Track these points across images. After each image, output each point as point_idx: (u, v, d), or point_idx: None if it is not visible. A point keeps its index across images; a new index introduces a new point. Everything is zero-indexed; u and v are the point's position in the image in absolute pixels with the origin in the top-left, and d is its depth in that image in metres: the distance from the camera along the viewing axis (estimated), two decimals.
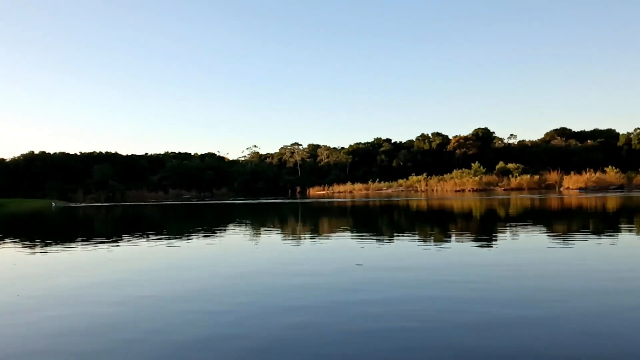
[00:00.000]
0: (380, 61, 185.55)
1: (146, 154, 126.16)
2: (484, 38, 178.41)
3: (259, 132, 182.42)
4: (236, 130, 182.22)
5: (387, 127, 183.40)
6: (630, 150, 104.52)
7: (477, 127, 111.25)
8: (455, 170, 75.09)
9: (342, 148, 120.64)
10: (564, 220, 17.85)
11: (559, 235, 12.54)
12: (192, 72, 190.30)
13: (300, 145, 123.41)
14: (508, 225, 15.94)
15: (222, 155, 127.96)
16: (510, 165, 75.80)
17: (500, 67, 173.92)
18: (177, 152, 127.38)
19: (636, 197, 32.91)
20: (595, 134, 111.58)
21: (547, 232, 13.53)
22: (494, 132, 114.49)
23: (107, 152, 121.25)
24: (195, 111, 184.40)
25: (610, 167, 58.01)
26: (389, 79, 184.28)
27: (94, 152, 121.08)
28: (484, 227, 16.26)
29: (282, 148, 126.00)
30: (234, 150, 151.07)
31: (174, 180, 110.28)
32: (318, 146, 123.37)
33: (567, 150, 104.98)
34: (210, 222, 22.59)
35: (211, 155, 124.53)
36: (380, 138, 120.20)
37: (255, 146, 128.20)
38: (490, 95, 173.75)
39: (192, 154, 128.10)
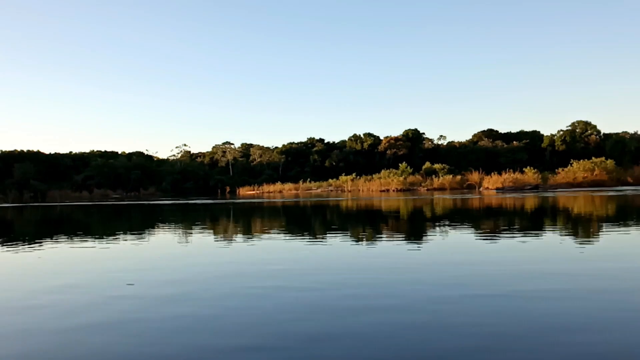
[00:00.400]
0: (314, 61, 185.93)
1: (70, 152, 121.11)
2: (414, 40, 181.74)
3: (190, 130, 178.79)
4: (167, 128, 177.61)
5: (321, 127, 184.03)
6: (553, 151, 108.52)
7: (407, 128, 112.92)
8: (383, 171, 75.63)
9: (276, 147, 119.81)
10: (467, 219, 17.51)
11: (460, 234, 12.04)
12: (120, 68, 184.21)
13: (233, 144, 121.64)
14: (409, 223, 15.41)
15: (150, 154, 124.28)
16: (437, 166, 76.88)
17: (431, 69, 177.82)
18: (103, 150, 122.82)
19: (543, 197, 33.52)
20: (521, 135, 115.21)
21: (441, 231, 13.01)
22: (424, 133, 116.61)
23: (29, 151, 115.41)
24: (123, 109, 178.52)
25: (528, 167, 59.63)
26: (323, 79, 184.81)
27: (15, 150, 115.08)
28: (388, 225, 15.66)
29: (214, 147, 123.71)
30: (163, 149, 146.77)
31: (99, 179, 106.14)
32: (251, 145, 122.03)
33: (493, 151, 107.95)
34: (133, 224, 21.12)
35: (139, 154, 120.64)
36: (314, 138, 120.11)
37: (185, 145, 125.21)
38: (421, 96, 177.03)
39: (120, 152, 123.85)
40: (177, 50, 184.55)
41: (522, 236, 11.29)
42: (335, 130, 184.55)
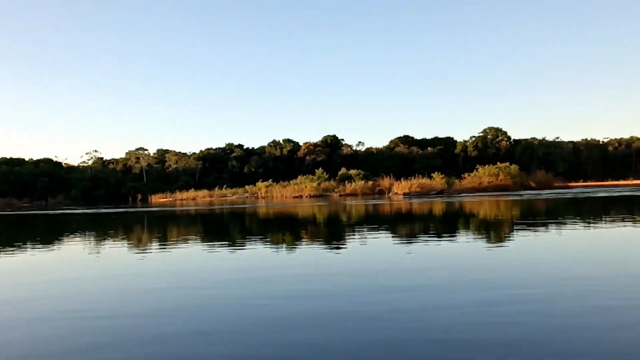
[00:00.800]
0: (234, 66, 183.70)
1: None
2: (334, 46, 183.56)
3: (103, 136, 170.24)
4: (77, 134, 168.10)
5: (240, 133, 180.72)
6: (466, 157, 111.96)
7: (327, 134, 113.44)
8: (300, 177, 75.35)
9: (193, 153, 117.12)
10: (367, 224, 17.05)
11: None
12: (29, 71, 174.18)
13: (147, 150, 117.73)
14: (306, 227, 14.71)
15: (59, 160, 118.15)
16: (352, 172, 77.25)
17: (351, 76, 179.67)
18: (8, 157, 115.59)
19: (445, 201, 33.94)
20: (436, 141, 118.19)
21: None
22: (343, 139, 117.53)
23: None
24: (30, 113, 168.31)
25: (436, 173, 60.90)
26: (243, 84, 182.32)
27: None
28: (279, 231, 14.89)
29: (127, 153, 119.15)
30: (74, 155, 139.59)
31: (4, 187, 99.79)
32: (167, 151, 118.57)
33: (409, 157, 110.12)
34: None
35: (47, 161, 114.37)
36: (232, 144, 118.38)
37: (96, 151, 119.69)
38: (341, 102, 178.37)
39: (27, 159, 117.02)
40: (89, 51, 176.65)
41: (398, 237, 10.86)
42: (255, 136, 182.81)
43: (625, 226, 13.65)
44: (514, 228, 14.16)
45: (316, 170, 76.49)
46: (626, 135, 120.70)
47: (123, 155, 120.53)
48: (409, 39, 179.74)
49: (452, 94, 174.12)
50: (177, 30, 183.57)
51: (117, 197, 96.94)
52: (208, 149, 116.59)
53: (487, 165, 59.30)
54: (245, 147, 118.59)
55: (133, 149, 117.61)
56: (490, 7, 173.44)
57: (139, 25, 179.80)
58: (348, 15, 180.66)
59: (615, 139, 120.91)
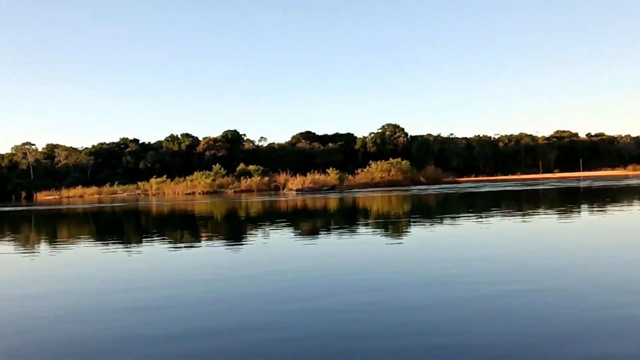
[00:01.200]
0: (129, 57, 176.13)
1: None
2: (234, 40, 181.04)
3: None
4: None
5: (136, 127, 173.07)
6: (365, 152, 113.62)
7: (227, 129, 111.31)
8: (196, 172, 73.20)
9: (85, 148, 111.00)
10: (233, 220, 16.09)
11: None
12: None
13: (34, 145, 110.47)
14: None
15: None
16: (251, 167, 76.01)
17: (254, 71, 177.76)
18: None
19: (335, 197, 33.75)
20: (337, 137, 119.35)
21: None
22: (244, 135, 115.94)
23: None
24: None
25: (331, 168, 61.01)
26: (140, 76, 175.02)
27: None
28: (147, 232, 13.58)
29: (13, 148, 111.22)
30: None
31: None
32: (57, 146, 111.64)
33: (311, 152, 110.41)
34: None
35: None
36: (127, 138, 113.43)
37: None
38: (243, 97, 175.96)
39: None
40: None
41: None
42: (152, 131, 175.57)
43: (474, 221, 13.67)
44: (384, 222, 13.82)
45: (213, 166, 74.71)
46: (516, 132, 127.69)
47: (9, 151, 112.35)
48: (310, 37, 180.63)
49: (353, 91, 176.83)
50: (68, 21, 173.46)
51: (1, 195, 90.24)
52: (101, 144, 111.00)
53: (379, 161, 60.18)
54: (141, 141, 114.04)
55: (19, 143, 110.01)
56: (389, 6, 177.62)
57: (20, 10, 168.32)
58: (249, 9, 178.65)
59: (506, 136, 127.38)
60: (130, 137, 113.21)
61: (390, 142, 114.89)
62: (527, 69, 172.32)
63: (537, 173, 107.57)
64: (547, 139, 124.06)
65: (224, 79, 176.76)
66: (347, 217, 18.20)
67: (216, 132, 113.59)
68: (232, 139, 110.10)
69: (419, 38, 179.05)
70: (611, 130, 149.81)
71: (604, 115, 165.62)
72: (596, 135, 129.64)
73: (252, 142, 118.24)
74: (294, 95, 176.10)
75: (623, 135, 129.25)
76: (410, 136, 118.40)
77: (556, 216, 14.82)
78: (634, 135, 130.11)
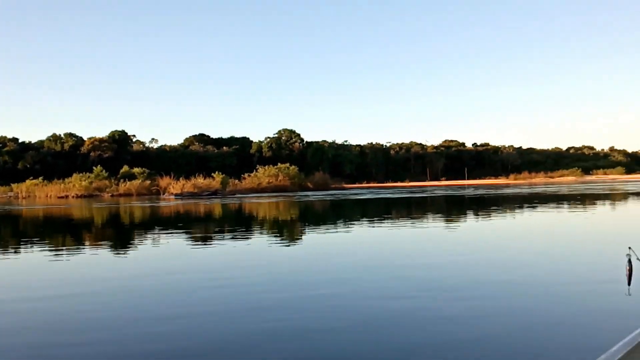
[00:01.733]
0: (6, 48, 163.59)
1: None
2: (128, 38, 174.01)
3: None
4: None
5: (15, 125, 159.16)
6: (261, 157, 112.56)
7: (115, 130, 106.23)
8: (75, 174, 69.03)
9: None
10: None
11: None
12: None
13: None
14: None
15: None
16: (136, 170, 72.92)
17: (147, 70, 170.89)
18: None
19: (211, 203, 32.58)
20: (232, 141, 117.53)
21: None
22: (134, 135, 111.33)
23: None
24: None
25: (217, 172, 59.61)
26: (16, 68, 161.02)
27: None
28: None
29: None
30: None
31: None
32: None
33: (204, 155, 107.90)
34: None
35: None
36: (5, 137, 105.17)
37: None
38: (134, 97, 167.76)
39: None
40: None
41: None
42: (33, 129, 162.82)
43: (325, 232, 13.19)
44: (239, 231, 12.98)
45: (94, 168, 70.95)
46: (407, 141, 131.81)
47: None
48: (207, 40, 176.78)
49: (250, 95, 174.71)
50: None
51: None
52: None
53: (267, 166, 59.54)
54: (20, 140, 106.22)
55: None
56: (283, 13, 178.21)
57: None
58: (145, 12, 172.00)
59: (397, 144, 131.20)
60: (9, 136, 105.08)
61: (286, 147, 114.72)
62: (419, 79, 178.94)
63: (426, 180, 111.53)
64: (436, 147, 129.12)
65: (115, 76, 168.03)
66: (193, 226, 17.25)
67: (103, 132, 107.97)
68: (120, 139, 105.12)
69: (314, 45, 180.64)
70: (496, 141, 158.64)
71: (489, 126, 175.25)
72: (481, 145, 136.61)
73: (143, 143, 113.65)
74: (189, 97, 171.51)
75: (506, 145, 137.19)
76: (306, 142, 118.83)
77: (387, 225, 14.71)
78: (516, 145, 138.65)
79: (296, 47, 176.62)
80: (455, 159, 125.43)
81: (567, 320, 4.84)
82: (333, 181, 72.47)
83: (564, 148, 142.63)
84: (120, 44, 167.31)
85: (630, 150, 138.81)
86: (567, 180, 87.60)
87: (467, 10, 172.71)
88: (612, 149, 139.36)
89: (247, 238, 12.85)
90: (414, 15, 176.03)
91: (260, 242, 11.88)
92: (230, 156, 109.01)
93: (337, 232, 13.77)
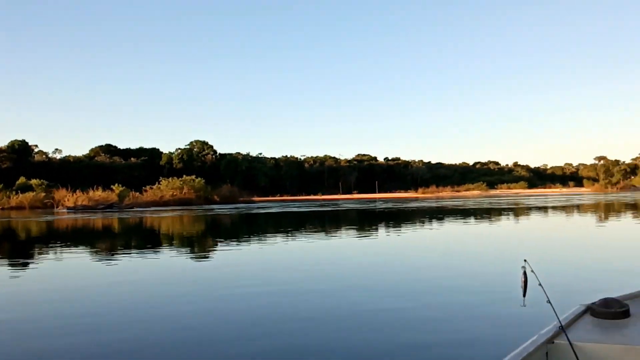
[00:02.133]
0: None
1: None
2: (30, 42, 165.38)
3: None
4: None
5: None
6: (171, 168, 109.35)
7: (14, 139, 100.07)
8: None
9: None
10: None
11: None
12: None
13: None
14: None
15: None
16: (33, 182, 69.03)
17: (50, 77, 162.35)
18: None
19: (96, 218, 30.90)
20: (141, 152, 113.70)
21: None
22: (36, 145, 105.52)
23: None
24: None
25: (116, 185, 57.28)
26: None
27: None
28: None
29: None
30: None
31: None
32: None
33: (111, 166, 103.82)
34: None
35: None
36: None
37: None
38: (37, 106, 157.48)
39: None
40: None
41: None
42: None
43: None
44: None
45: None
46: (321, 154, 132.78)
47: None
48: (119, 48, 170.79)
49: (160, 105, 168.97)
50: None
51: None
52: None
53: (171, 178, 57.87)
54: None
55: None
56: (203, 20, 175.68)
57: None
58: (46, 16, 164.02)
59: (311, 157, 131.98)
60: None
61: (198, 159, 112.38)
62: (333, 94, 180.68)
63: (338, 193, 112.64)
64: (349, 161, 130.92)
65: (16, 83, 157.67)
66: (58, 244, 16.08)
67: (2, 142, 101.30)
68: (19, 149, 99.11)
69: (227, 56, 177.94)
70: (407, 155, 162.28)
71: (400, 141, 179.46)
72: (393, 159, 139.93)
73: (45, 154, 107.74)
74: (96, 106, 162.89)
75: (416, 160, 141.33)
76: (219, 154, 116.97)
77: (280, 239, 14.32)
78: (425, 160, 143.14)
79: (208, 57, 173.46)
80: (368, 173, 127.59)
81: (466, 329, 5.02)
82: (244, 194, 71.60)
83: (471, 163, 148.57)
84: (21, 49, 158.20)
85: (532, 166, 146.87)
86: (472, 194, 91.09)
87: (374, 24, 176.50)
88: (515, 164, 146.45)
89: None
90: (324, 26, 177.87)
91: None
92: (138, 168, 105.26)
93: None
